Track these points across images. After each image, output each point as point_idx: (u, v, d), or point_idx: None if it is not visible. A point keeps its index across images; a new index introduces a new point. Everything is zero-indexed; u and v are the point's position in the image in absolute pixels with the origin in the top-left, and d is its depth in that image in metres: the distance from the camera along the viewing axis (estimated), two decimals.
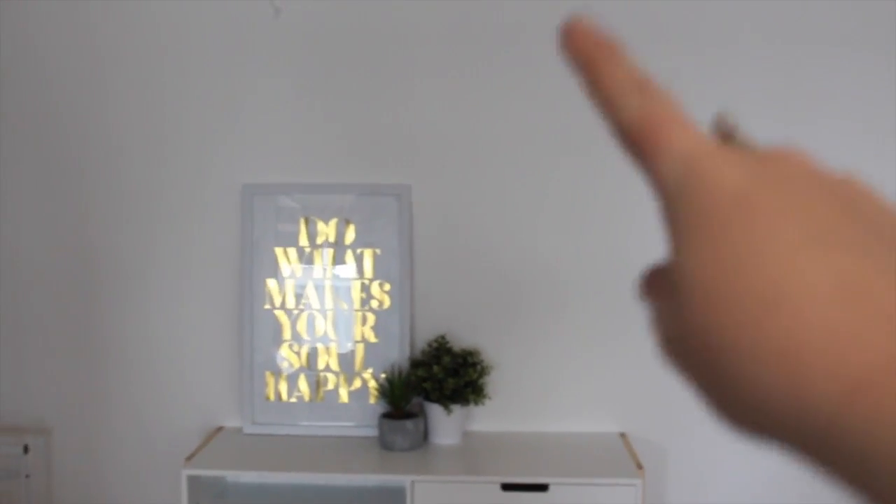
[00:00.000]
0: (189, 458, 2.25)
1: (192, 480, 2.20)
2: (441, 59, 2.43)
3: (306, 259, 2.46)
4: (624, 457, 2.29)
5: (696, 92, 2.25)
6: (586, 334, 2.49)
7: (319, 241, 2.46)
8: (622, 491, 2.13)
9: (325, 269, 2.46)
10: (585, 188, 2.45)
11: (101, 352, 2.56)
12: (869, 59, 2.37)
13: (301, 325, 2.47)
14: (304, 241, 2.46)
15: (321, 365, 2.48)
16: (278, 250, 2.46)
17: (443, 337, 2.42)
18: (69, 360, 2.57)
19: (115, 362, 2.56)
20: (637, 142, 0.38)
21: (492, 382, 2.45)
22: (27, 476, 2.50)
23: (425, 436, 2.40)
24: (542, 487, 2.14)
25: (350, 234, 2.45)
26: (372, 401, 2.46)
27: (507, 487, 2.14)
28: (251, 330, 2.47)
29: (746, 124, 0.40)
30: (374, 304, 2.46)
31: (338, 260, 2.46)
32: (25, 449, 2.48)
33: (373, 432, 2.43)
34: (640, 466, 2.20)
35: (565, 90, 2.39)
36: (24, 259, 2.54)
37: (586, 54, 0.38)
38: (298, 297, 2.47)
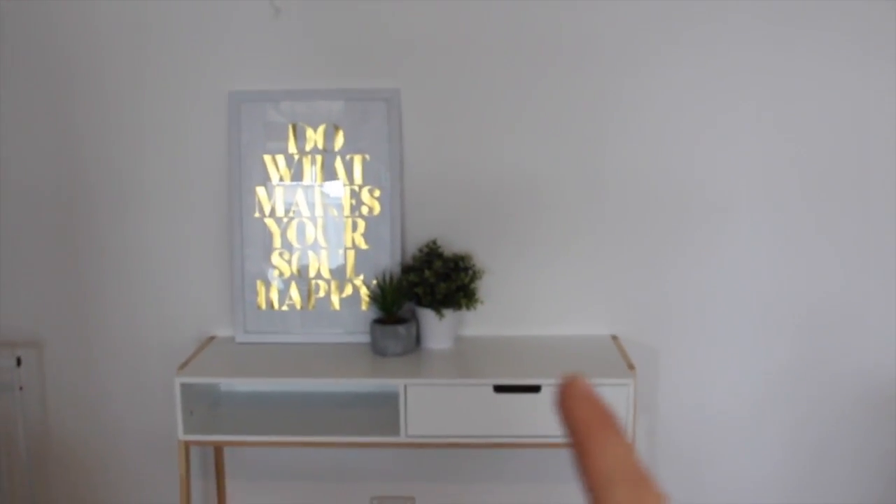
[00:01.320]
0: (182, 367, 2.26)
1: (186, 388, 2.20)
2: None
3: (295, 166, 2.44)
4: (615, 358, 2.30)
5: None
6: (577, 238, 2.48)
7: (308, 147, 2.43)
8: (614, 391, 2.14)
9: (314, 177, 2.44)
10: (573, 94, 2.41)
11: (92, 264, 2.55)
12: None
13: (291, 233, 2.46)
14: (292, 148, 2.43)
15: (312, 273, 2.47)
16: (267, 158, 2.44)
17: (434, 242, 2.42)
18: (60, 273, 2.56)
19: (106, 274, 2.55)
20: None
21: (483, 287, 2.46)
22: (20, 388, 2.51)
23: (417, 341, 2.41)
24: (534, 389, 2.15)
25: (339, 140, 2.43)
26: (364, 307, 2.46)
27: (499, 389, 2.15)
28: (241, 239, 2.45)
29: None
30: (365, 210, 2.44)
31: (327, 166, 2.43)
32: (18, 361, 2.48)
33: (365, 339, 2.44)
34: (631, 367, 2.21)
35: None
36: (13, 173, 2.51)
37: (581, 420, 0.38)
38: (288, 204, 2.45)
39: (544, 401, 2.15)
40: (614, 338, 2.49)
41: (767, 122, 2.40)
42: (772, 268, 2.48)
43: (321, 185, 2.44)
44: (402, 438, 2.18)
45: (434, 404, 2.17)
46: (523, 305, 2.52)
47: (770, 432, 2.57)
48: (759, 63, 2.37)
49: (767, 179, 2.43)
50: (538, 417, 2.15)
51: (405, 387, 2.16)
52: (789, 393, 2.54)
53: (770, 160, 2.42)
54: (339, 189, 2.43)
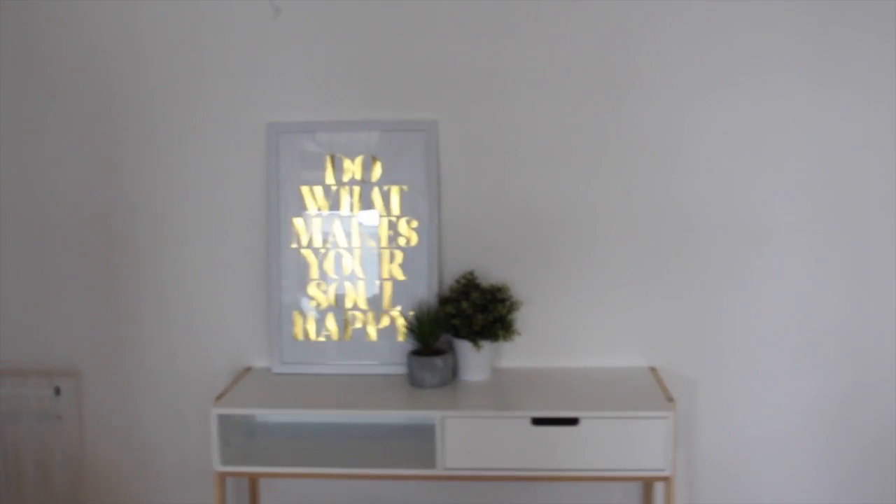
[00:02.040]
0: (219, 398, 2.26)
1: (223, 419, 2.21)
2: None
3: (333, 197, 2.45)
4: (654, 390, 2.28)
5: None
6: (615, 269, 2.48)
7: (346, 178, 2.45)
8: (653, 424, 2.12)
9: (351, 207, 2.45)
10: (614, 125, 2.42)
11: (130, 294, 2.58)
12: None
13: (328, 264, 2.47)
14: (330, 179, 2.45)
15: (349, 303, 2.47)
16: (304, 189, 2.45)
17: (471, 273, 2.42)
18: (98, 303, 2.59)
19: (144, 304, 2.58)
20: None
21: (521, 318, 2.46)
22: (59, 417, 2.53)
23: (454, 373, 2.41)
24: (572, 421, 2.13)
25: (377, 171, 2.44)
26: (400, 338, 2.46)
27: (537, 422, 2.14)
28: (278, 269, 2.46)
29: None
30: (402, 241, 2.45)
31: (364, 197, 2.44)
32: (57, 391, 2.51)
33: (402, 370, 2.44)
34: (670, 399, 2.19)
35: (595, 24, 2.39)
36: (55, 202, 2.55)
37: None
38: (325, 235, 2.46)
39: (583, 434, 2.13)
40: (653, 369, 2.47)
41: (805, 151, 2.40)
42: (810, 298, 2.46)
43: (358, 216, 2.44)
44: (438, 471, 2.17)
45: (471, 437, 2.16)
46: (561, 337, 2.51)
47: (811, 464, 2.54)
48: (798, 95, 2.37)
49: (805, 209, 2.42)
50: (576, 450, 2.14)
51: (442, 419, 2.15)
52: (830, 424, 2.51)
53: (804, 187, 2.42)
54: (374, 218, 2.44)
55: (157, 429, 2.63)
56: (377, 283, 2.47)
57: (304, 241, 2.46)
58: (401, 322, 2.46)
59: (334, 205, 2.45)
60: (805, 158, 2.40)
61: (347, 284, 2.47)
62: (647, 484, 2.54)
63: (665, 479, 2.16)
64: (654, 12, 2.37)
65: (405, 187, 2.44)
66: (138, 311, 2.58)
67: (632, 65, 2.39)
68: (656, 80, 2.39)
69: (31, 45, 2.49)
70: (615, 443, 2.14)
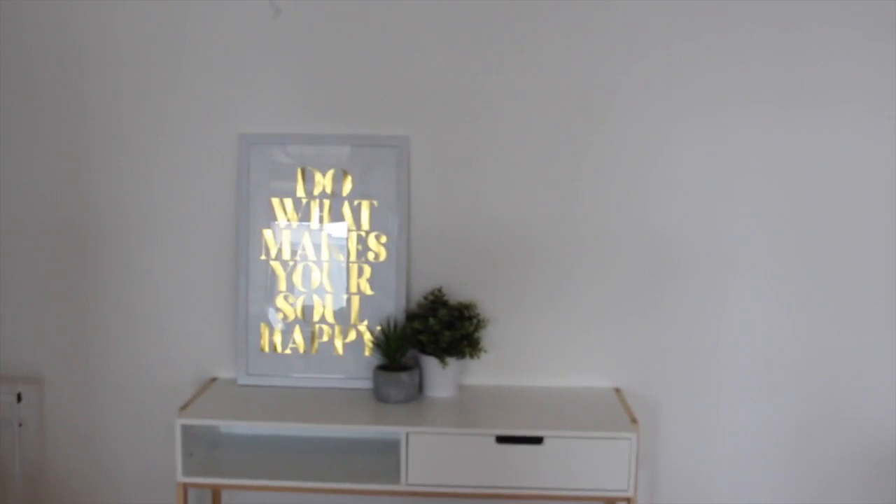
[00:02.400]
0: (183, 408, 2.26)
1: (186, 430, 2.21)
2: (441, 12, 2.41)
3: (303, 210, 2.45)
4: (618, 411, 2.30)
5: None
6: (582, 290, 2.50)
7: (316, 191, 2.45)
8: (617, 444, 2.14)
9: (321, 220, 2.45)
10: (586, 147, 2.45)
11: (95, 302, 2.57)
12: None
13: (297, 277, 2.47)
14: (300, 191, 2.45)
15: (316, 317, 2.48)
16: (275, 201, 2.45)
17: (439, 289, 2.44)
18: (62, 310, 2.58)
19: (109, 312, 2.57)
20: None
21: (488, 336, 2.48)
22: (20, 424, 2.52)
23: (420, 388, 2.42)
24: (536, 440, 2.15)
25: (347, 185, 2.45)
26: (367, 353, 2.47)
27: (501, 440, 2.15)
28: (246, 280, 2.46)
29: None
30: (371, 256, 2.45)
31: (334, 211, 2.45)
32: (19, 397, 2.50)
33: (367, 384, 2.45)
34: (634, 420, 2.21)
35: (566, 47, 2.41)
36: (19, 207, 2.54)
37: None
38: (294, 247, 2.46)
39: (546, 453, 2.15)
40: (617, 390, 2.50)
41: (770, 181, 2.44)
42: (773, 322, 2.50)
43: (327, 229, 2.45)
44: (402, 487, 2.18)
45: (435, 453, 2.17)
46: (527, 356, 2.53)
47: (771, 486, 2.57)
48: (761, 125, 2.41)
49: (769, 236, 2.46)
50: (540, 469, 2.16)
51: (407, 435, 2.16)
52: (792, 448, 2.55)
53: (771, 217, 2.45)
54: (343, 230, 2.45)
55: (120, 437, 2.61)
56: (345, 297, 2.47)
57: (273, 253, 2.46)
58: (368, 337, 2.46)
59: (304, 217, 2.46)
60: (773, 188, 2.44)
61: (315, 297, 2.48)
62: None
63: (627, 501, 2.18)
64: (630, 38, 2.39)
65: (375, 202, 2.45)
66: (103, 318, 2.57)
67: (606, 88, 2.42)
68: (630, 104, 2.42)
69: (1, 48, 2.47)
70: (579, 463, 2.16)
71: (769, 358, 2.51)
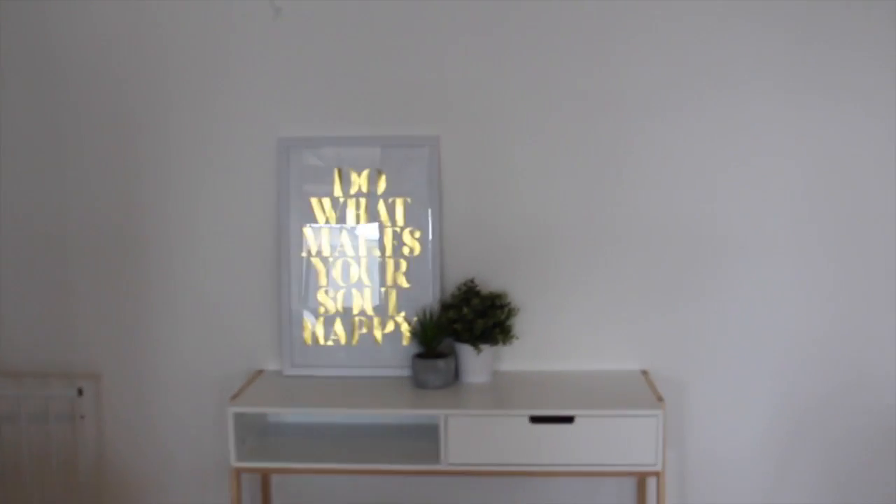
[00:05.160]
0: (234, 397, 2.39)
1: (238, 418, 2.33)
2: (465, 17, 2.53)
3: (340, 208, 2.58)
4: (645, 391, 2.41)
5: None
6: (609, 278, 2.62)
7: (353, 191, 2.58)
8: (644, 421, 2.25)
9: (357, 218, 2.58)
10: (609, 142, 2.56)
11: (147, 301, 2.71)
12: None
13: (336, 272, 2.60)
14: (337, 191, 2.58)
15: (356, 310, 2.61)
16: (313, 200, 2.58)
17: (472, 281, 2.55)
18: (118, 311, 2.72)
19: (160, 310, 2.71)
20: None
21: (518, 324, 2.59)
22: (82, 417, 2.66)
23: (456, 375, 2.54)
24: (568, 420, 2.26)
25: (382, 184, 2.57)
26: (405, 343, 2.59)
27: (535, 420, 2.27)
28: (289, 277, 2.60)
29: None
30: (406, 250, 2.58)
31: (370, 209, 2.58)
32: (80, 392, 2.63)
33: (406, 373, 2.58)
34: (660, 399, 2.32)
35: (592, 44, 2.52)
36: (75, 211, 2.68)
37: None
38: (333, 245, 2.59)
39: (577, 431, 2.26)
40: (644, 372, 2.60)
41: (791, 167, 2.53)
42: (796, 304, 2.60)
43: (363, 227, 2.58)
44: (442, 466, 2.29)
45: (472, 434, 2.28)
46: (557, 342, 2.65)
47: (797, 464, 2.67)
48: (781, 112, 2.52)
49: (789, 220, 2.56)
50: (572, 447, 2.27)
51: (446, 417, 2.27)
52: (816, 425, 2.64)
53: (793, 203, 2.55)
54: (375, 231, 2.59)
55: (173, 428, 2.75)
56: (382, 290, 2.60)
57: (314, 250, 2.60)
58: (405, 327, 2.59)
59: (342, 216, 2.59)
60: (794, 175, 2.54)
61: (354, 291, 2.61)
62: (641, 480, 2.67)
63: (656, 475, 2.29)
64: (645, 33, 2.51)
65: (409, 199, 2.58)
66: (156, 317, 2.71)
67: (625, 83, 2.53)
68: (649, 98, 2.53)
69: (51, 58, 2.62)
70: (608, 440, 2.26)
71: (792, 337, 2.61)
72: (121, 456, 2.78)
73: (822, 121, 2.51)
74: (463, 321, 2.46)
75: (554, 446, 2.27)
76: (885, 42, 2.47)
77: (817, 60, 2.49)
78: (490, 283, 2.61)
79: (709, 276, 2.59)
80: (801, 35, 2.49)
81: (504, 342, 2.49)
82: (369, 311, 2.61)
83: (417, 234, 2.58)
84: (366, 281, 2.60)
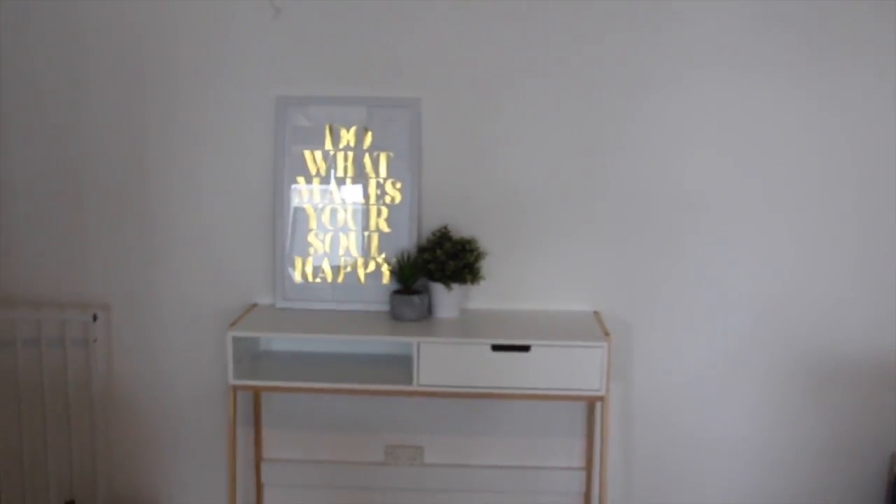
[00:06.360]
0: (233, 325, 2.67)
1: (236, 342, 2.61)
2: None
3: (330, 161, 2.86)
4: (595, 328, 2.70)
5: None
6: (568, 229, 2.90)
7: (341, 145, 2.86)
8: (592, 352, 2.54)
9: (345, 170, 2.87)
10: (581, 109, 2.82)
11: (155, 241, 2.96)
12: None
13: (325, 217, 2.88)
14: (328, 145, 2.86)
15: (342, 251, 2.89)
16: (307, 153, 2.86)
17: (445, 227, 2.83)
18: (128, 249, 2.97)
19: (167, 249, 2.97)
20: None
21: (486, 267, 2.86)
22: (95, 340, 2.92)
23: (430, 310, 2.82)
24: (525, 349, 2.55)
25: (368, 140, 2.85)
26: (385, 281, 2.88)
27: (496, 348, 2.55)
28: (283, 220, 2.87)
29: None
30: (388, 199, 2.87)
31: (357, 161, 2.86)
32: (94, 318, 2.89)
33: (385, 307, 2.86)
34: (607, 333, 2.61)
35: (570, 17, 2.77)
36: (89, 162, 2.92)
37: None
38: (323, 192, 2.88)
39: (533, 359, 2.55)
40: (596, 313, 2.90)
41: (734, 137, 2.82)
42: (735, 256, 2.89)
43: (350, 178, 2.87)
44: (414, 387, 2.59)
45: (441, 360, 2.57)
46: (519, 284, 2.93)
47: (723, 397, 2.99)
48: (728, 87, 2.79)
49: (732, 182, 2.84)
50: (528, 373, 2.56)
51: (418, 344, 2.56)
52: (748, 362, 2.96)
53: (735, 167, 2.83)
54: (364, 181, 2.87)
55: (176, 352, 3.02)
56: (366, 234, 2.89)
57: (305, 198, 2.88)
58: (385, 267, 2.88)
59: (331, 166, 2.86)
60: (732, 143, 2.81)
61: (341, 235, 2.89)
62: (590, 407, 2.97)
63: (601, 399, 2.58)
64: (622, 13, 2.75)
65: (391, 154, 2.85)
66: (162, 254, 2.96)
67: (598, 59, 2.78)
68: (625, 73, 2.78)
69: (72, 28, 2.84)
70: (560, 367, 2.55)
71: (731, 287, 2.90)
72: (128, 378, 3.04)
73: (760, 96, 2.79)
74: (436, 262, 2.72)
75: (512, 372, 2.56)
76: (837, 24, 2.74)
77: (774, 43, 2.75)
78: (462, 230, 2.88)
79: (658, 231, 2.88)
80: (763, 22, 2.74)
81: (472, 282, 2.77)
82: (354, 253, 2.89)
83: (398, 185, 2.86)
84: (351, 226, 2.89)
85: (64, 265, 2.98)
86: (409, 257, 2.81)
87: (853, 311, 2.92)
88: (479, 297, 2.94)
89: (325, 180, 2.87)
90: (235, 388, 2.65)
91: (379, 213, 2.88)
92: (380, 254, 2.89)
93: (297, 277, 2.90)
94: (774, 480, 3.04)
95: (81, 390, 3.00)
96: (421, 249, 2.80)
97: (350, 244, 2.89)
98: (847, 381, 2.97)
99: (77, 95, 2.89)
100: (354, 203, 2.88)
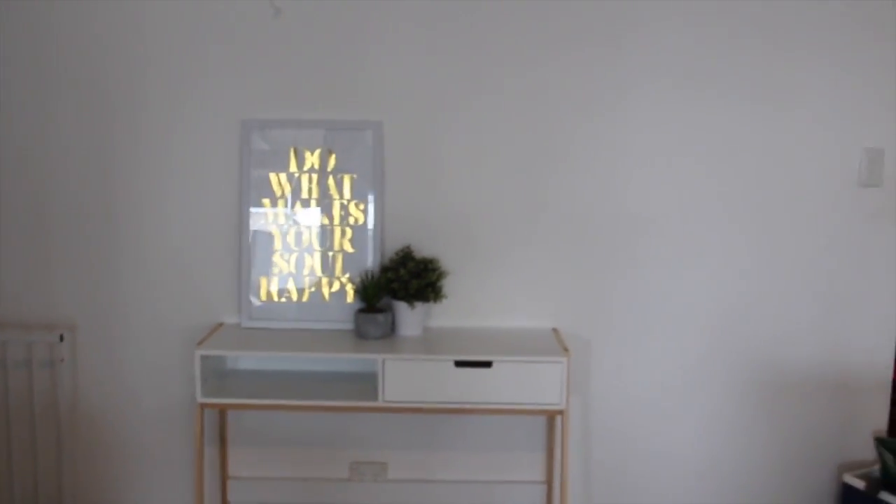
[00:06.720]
0: (200, 343, 2.70)
1: (203, 360, 2.64)
2: (407, 15, 2.86)
3: (295, 182, 2.92)
4: (554, 344, 2.77)
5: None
6: (527, 248, 2.97)
7: (306, 167, 2.92)
8: (552, 367, 2.61)
9: (310, 191, 2.93)
10: (534, 131, 2.90)
11: (122, 262, 2.98)
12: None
13: (290, 238, 2.93)
14: (293, 167, 2.92)
15: (307, 271, 2.95)
16: (272, 175, 2.92)
17: (408, 247, 2.89)
18: (94, 270, 2.99)
19: (133, 271, 2.99)
20: None
21: (448, 285, 2.94)
22: (62, 360, 2.94)
23: (393, 328, 2.88)
24: (487, 364, 2.62)
25: (332, 162, 2.91)
26: (349, 300, 2.94)
27: (459, 364, 2.62)
28: (248, 241, 2.92)
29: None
30: (351, 220, 2.93)
31: (321, 183, 2.92)
32: (61, 337, 2.91)
33: (350, 326, 2.91)
34: (566, 349, 2.69)
35: (523, 43, 2.86)
36: (57, 185, 2.94)
37: None
38: (287, 214, 2.93)
39: (495, 375, 2.62)
40: (555, 330, 2.97)
41: (681, 154, 2.92)
42: (690, 273, 2.98)
43: (314, 199, 2.92)
44: (379, 403, 2.63)
45: (406, 376, 2.62)
46: (480, 302, 3.00)
47: (686, 411, 3.07)
48: (678, 111, 2.89)
49: (685, 199, 2.94)
50: (490, 388, 2.62)
51: (383, 361, 2.61)
52: (703, 377, 3.05)
53: (683, 186, 2.93)
54: (328, 203, 2.92)
55: (143, 372, 3.04)
56: (330, 254, 2.94)
57: (270, 219, 2.93)
58: (349, 286, 2.94)
59: (296, 189, 2.92)
60: (682, 160, 2.91)
61: (306, 255, 2.94)
62: (550, 421, 3.05)
63: (560, 413, 2.65)
64: (569, 37, 2.85)
65: (355, 176, 2.91)
66: (129, 275, 2.98)
67: (550, 81, 2.87)
68: (573, 95, 2.88)
69: (41, 48, 2.87)
70: (521, 382, 2.62)
71: (686, 303, 3.00)
72: (95, 398, 3.05)
73: (729, 115, 2.90)
74: (399, 281, 2.79)
75: (475, 387, 2.62)
76: (783, 41, 2.86)
77: (720, 60, 2.87)
78: (424, 249, 2.95)
79: (617, 250, 2.96)
80: (708, 40, 2.86)
81: (435, 300, 2.84)
82: (318, 273, 2.95)
83: (361, 206, 2.92)
84: (316, 246, 2.94)
85: (30, 286, 3.00)
86: (372, 276, 2.87)
87: (802, 327, 3.02)
88: (441, 316, 3.01)
89: (290, 202, 2.92)
90: (203, 406, 2.68)
91: (343, 234, 2.93)
92: (344, 273, 2.94)
93: (263, 297, 2.94)
94: (729, 493, 3.13)
95: (48, 410, 3.01)
96: (384, 269, 2.86)
97: (315, 264, 2.95)
98: (797, 395, 3.07)
99: (42, 116, 2.91)
100: (319, 224, 2.93)
